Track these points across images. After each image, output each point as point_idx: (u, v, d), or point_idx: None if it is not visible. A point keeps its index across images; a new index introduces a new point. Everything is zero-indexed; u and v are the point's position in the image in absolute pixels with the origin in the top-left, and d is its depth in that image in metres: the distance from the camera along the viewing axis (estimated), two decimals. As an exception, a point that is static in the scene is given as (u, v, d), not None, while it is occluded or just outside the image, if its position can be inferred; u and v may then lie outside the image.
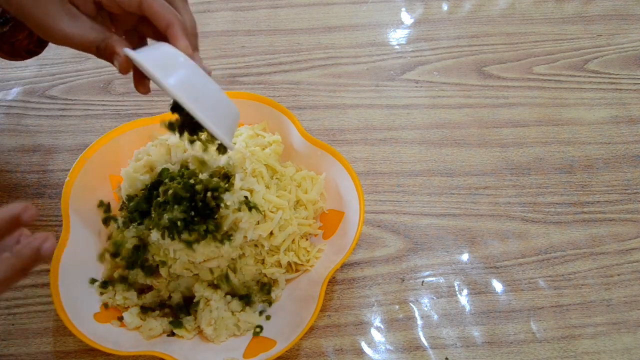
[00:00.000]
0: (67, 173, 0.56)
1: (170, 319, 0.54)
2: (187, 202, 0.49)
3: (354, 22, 0.81)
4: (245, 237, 0.52)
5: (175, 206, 0.49)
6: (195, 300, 0.54)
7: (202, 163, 0.52)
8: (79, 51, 0.42)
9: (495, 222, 0.62)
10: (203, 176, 0.50)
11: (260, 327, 0.54)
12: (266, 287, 0.56)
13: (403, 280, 0.59)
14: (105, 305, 0.54)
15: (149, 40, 0.47)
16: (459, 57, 0.77)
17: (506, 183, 0.65)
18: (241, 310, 0.54)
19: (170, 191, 0.49)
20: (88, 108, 0.72)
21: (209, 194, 0.49)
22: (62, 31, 0.41)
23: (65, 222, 0.54)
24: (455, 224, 0.62)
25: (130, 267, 0.54)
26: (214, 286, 0.55)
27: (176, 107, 0.44)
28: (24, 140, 0.69)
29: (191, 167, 0.53)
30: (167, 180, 0.52)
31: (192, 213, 0.49)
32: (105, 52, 0.42)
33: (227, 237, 0.50)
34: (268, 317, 0.55)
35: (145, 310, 0.54)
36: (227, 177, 0.52)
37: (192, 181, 0.49)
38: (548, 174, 0.66)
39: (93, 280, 0.55)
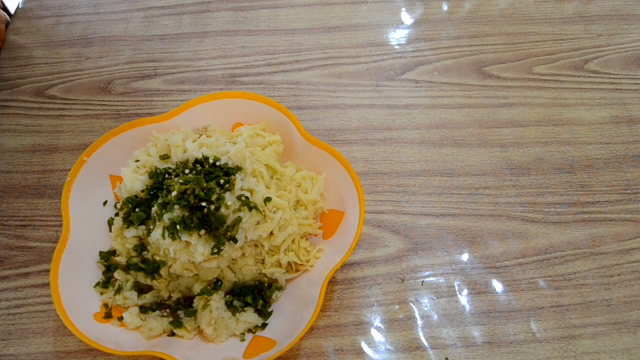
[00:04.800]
0: (67, 173, 0.56)
1: (170, 319, 0.54)
2: (186, 204, 0.49)
3: (354, 22, 0.81)
4: (245, 237, 0.52)
5: (176, 206, 0.49)
6: (194, 301, 0.54)
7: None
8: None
9: (495, 222, 0.62)
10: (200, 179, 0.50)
11: (260, 326, 0.54)
12: (266, 287, 0.56)
13: (403, 280, 0.59)
14: (105, 305, 0.54)
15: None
16: (459, 57, 0.77)
17: (506, 183, 0.65)
18: (241, 311, 0.54)
19: (174, 193, 0.49)
20: (88, 108, 0.72)
21: (204, 203, 0.49)
22: None
23: (65, 222, 0.54)
24: (455, 224, 0.62)
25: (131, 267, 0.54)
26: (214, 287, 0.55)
27: None
28: (24, 140, 0.69)
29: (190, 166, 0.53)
30: (167, 182, 0.52)
31: (190, 215, 0.49)
32: None
33: (231, 238, 0.51)
34: (268, 317, 0.55)
35: (145, 310, 0.54)
36: (227, 174, 0.52)
37: (187, 189, 0.49)
38: (548, 174, 0.66)
39: (97, 284, 0.55)
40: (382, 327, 0.56)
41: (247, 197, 0.51)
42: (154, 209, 0.50)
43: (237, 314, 0.54)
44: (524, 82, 0.74)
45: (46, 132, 0.70)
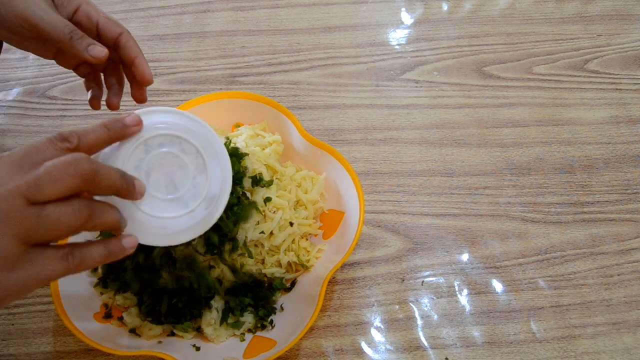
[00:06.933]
0: (67, 173, 0.56)
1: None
2: None
3: (354, 22, 0.81)
4: (245, 237, 0.52)
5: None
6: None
7: None
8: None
9: (495, 222, 0.62)
10: None
11: (260, 326, 0.54)
12: (266, 287, 0.56)
13: (403, 280, 0.59)
14: (106, 305, 0.54)
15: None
16: (459, 57, 0.77)
17: (506, 183, 0.65)
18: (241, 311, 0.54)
19: None
20: (88, 108, 0.72)
21: None
22: (38, 14, 0.43)
23: (65, 222, 0.54)
24: (455, 224, 0.62)
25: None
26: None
27: None
28: (24, 140, 0.69)
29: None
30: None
31: None
32: (80, 41, 0.43)
33: (231, 238, 0.51)
34: (268, 317, 0.55)
35: (145, 310, 0.54)
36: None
37: None
38: (548, 174, 0.66)
39: (97, 284, 0.55)
40: (382, 327, 0.56)
41: (247, 197, 0.51)
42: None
43: (237, 314, 0.54)
44: (524, 82, 0.74)
45: (47, 132, 0.70)
